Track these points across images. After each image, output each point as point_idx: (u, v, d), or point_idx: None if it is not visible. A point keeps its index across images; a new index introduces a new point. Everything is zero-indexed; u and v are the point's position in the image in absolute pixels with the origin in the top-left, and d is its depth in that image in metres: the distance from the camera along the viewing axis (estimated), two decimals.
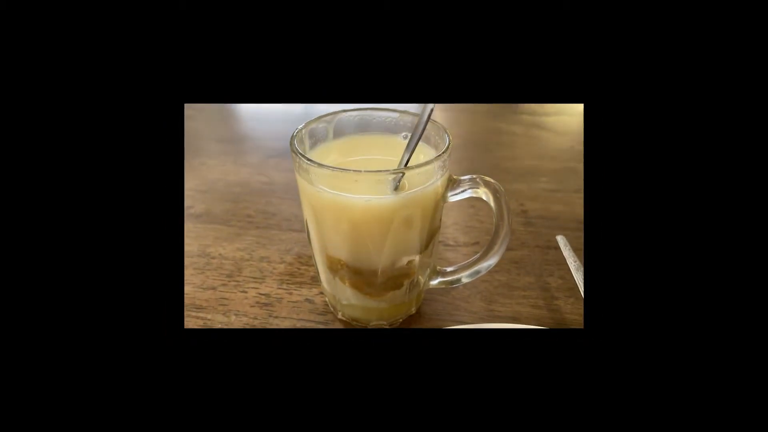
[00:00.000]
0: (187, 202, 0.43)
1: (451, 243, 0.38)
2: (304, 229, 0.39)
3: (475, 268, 0.27)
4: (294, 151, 0.23)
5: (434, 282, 0.29)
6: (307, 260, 0.36)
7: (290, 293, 0.33)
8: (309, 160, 0.22)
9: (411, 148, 0.23)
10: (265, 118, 0.63)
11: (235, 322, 0.30)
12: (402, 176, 0.22)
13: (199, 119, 0.63)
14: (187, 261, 0.36)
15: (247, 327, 0.30)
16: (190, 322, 0.30)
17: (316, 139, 0.27)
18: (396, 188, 0.22)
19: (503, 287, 0.33)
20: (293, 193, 0.45)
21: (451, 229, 0.40)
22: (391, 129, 0.28)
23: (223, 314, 0.31)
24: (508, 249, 0.27)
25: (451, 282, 0.29)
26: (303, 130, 0.25)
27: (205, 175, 0.48)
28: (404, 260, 0.26)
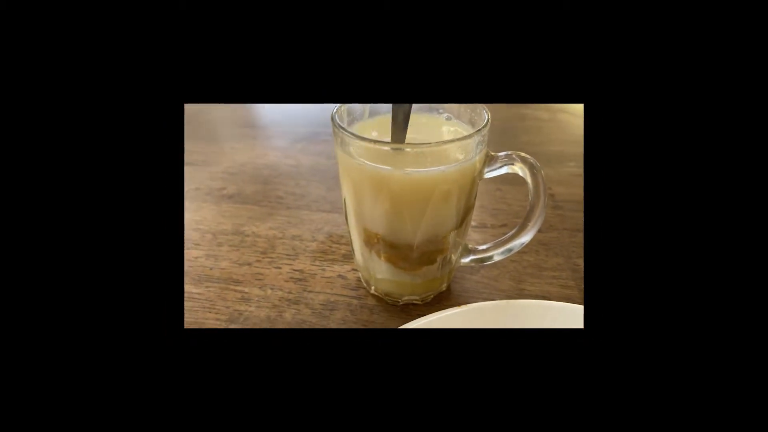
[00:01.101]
0: (218, 184, 0.44)
1: (479, 225, 0.39)
2: (332, 210, 0.40)
3: (508, 245, 0.28)
4: (336, 126, 0.24)
5: (466, 259, 0.29)
6: (338, 239, 0.37)
7: (323, 269, 0.34)
8: (351, 133, 0.23)
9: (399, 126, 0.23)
10: (287, 106, 0.64)
11: (272, 296, 0.31)
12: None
13: (224, 107, 0.64)
14: (222, 238, 0.37)
15: (283, 300, 0.31)
16: (229, 294, 0.31)
17: (353, 118, 0.28)
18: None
19: (532, 267, 0.34)
20: (321, 176, 0.46)
21: (478, 211, 0.40)
22: (428, 108, 0.28)
23: (260, 288, 0.32)
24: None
25: (483, 260, 0.29)
26: (342, 108, 0.26)
27: (235, 158, 0.49)
28: (439, 235, 0.26)
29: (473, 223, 0.38)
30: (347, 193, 0.26)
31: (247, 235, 0.37)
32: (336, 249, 0.36)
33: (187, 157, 0.50)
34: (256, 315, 0.30)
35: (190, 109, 0.62)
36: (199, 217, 0.40)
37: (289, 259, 0.35)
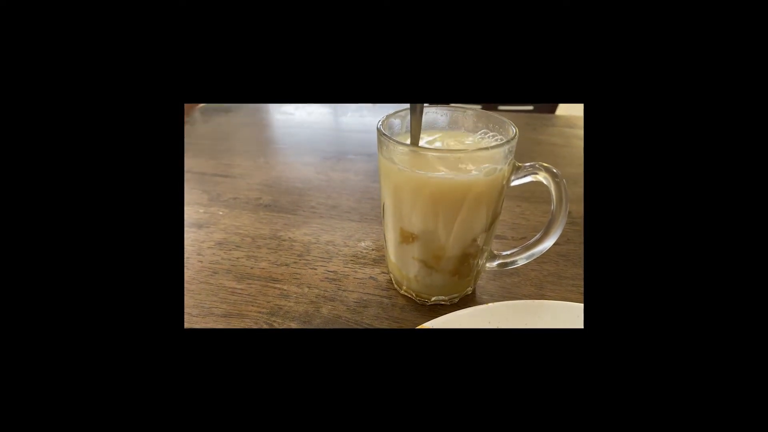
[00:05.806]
0: (255, 194, 0.48)
1: (500, 237, 0.41)
2: (362, 219, 0.43)
3: (532, 251, 0.30)
4: (382, 135, 0.27)
5: (492, 264, 0.32)
6: (368, 245, 0.39)
7: (355, 271, 0.36)
8: (396, 141, 0.26)
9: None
10: (315, 128, 0.68)
11: (309, 293, 0.34)
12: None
13: (257, 126, 0.68)
14: (260, 242, 0.40)
15: (320, 297, 0.33)
16: (269, 291, 0.34)
17: (392, 132, 0.31)
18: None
19: (552, 276, 0.36)
20: (350, 189, 0.49)
21: (499, 225, 0.42)
22: (461, 126, 0.32)
23: (297, 286, 0.34)
24: (554, 244, 0.29)
25: (507, 264, 0.31)
26: (384, 121, 0.29)
27: (269, 172, 0.53)
28: (469, 238, 0.29)
29: (497, 236, 0.41)
30: (387, 196, 0.29)
31: (284, 240, 0.40)
32: (367, 254, 0.38)
33: (223, 171, 0.53)
34: (295, 309, 0.32)
35: (228, 127, 0.67)
36: (238, 222, 0.43)
37: (324, 261, 0.37)
